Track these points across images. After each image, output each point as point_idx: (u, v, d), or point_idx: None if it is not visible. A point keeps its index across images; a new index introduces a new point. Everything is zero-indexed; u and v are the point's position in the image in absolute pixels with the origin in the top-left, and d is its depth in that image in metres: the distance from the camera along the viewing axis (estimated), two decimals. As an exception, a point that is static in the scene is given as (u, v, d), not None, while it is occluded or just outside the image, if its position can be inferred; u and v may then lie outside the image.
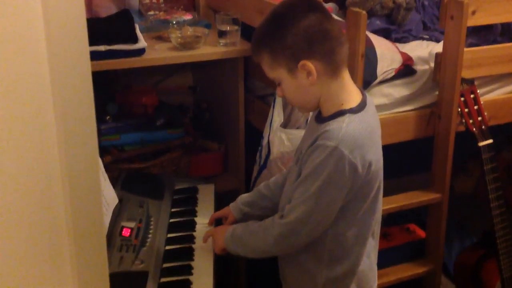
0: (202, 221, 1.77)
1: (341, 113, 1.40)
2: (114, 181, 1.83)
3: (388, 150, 2.15)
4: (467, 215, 2.80)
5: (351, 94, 1.44)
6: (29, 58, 0.74)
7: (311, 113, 1.60)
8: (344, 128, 1.36)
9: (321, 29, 1.37)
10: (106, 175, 1.70)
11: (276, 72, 1.42)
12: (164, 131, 2.23)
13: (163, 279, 1.50)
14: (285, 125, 1.86)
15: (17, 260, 0.80)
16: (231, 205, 1.72)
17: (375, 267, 1.60)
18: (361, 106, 1.43)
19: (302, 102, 1.48)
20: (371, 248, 1.55)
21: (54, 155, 0.78)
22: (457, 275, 2.44)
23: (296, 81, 1.40)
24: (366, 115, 1.43)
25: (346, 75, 1.43)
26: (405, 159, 2.62)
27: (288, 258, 1.57)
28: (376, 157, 1.43)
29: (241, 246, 1.54)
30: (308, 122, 1.64)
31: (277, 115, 1.87)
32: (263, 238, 1.49)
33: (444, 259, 2.34)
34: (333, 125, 1.38)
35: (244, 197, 1.72)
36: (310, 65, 1.37)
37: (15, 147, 0.75)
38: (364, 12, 1.75)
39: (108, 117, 2.14)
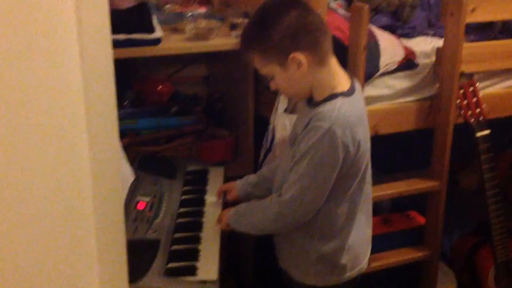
0: (211, 199, 1.89)
1: (333, 96, 1.51)
2: (130, 162, 1.93)
3: (392, 146, 2.24)
4: (471, 210, 2.87)
5: (341, 79, 1.56)
6: (61, 47, 0.79)
7: None
8: (337, 110, 1.47)
9: (304, 22, 1.48)
10: (124, 153, 1.83)
11: (268, 68, 1.54)
12: (178, 117, 2.34)
13: (174, 247, 1.62)
14: (291, 111, 1.97)
15: (40, 222, 0.86)
16: (238, 182, 1.85)
17: (369, 244, 1.72)
18: (351, 91, 1.55)
19: (296, 91, 1.59)
20: (364, 225, 1.67)
21: (82, 135, 0.84)
22: (453, 261, 2.52)
23: (288, 74, 1.51)
24: (356, 98, 1.55)
25: (333, 62, 1.55)
26: (407, 156, 2.70)
27: (282, 235, 1.69)
28: (365, 138, 1.54)
29: (243, 223, 1.67)
30: (300, 107, 1.74)
31: (282, 101, 1.97)
32: (263, 215, 1.61)
33: (444, 249, 2.42)
34: (326, 107, 1.49)
35: (251, 177, 1.85)
36: (299, 56, 1.48)
37: (43, 125, 0.81)
38: (367, 6, 1.85)
39: (126, 103, 2.27)
